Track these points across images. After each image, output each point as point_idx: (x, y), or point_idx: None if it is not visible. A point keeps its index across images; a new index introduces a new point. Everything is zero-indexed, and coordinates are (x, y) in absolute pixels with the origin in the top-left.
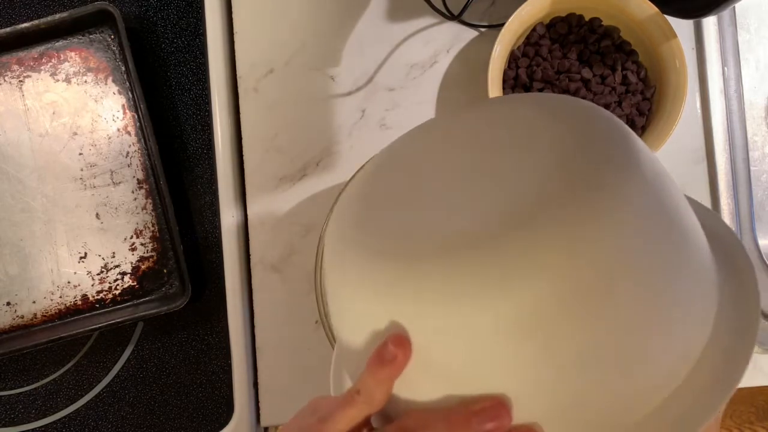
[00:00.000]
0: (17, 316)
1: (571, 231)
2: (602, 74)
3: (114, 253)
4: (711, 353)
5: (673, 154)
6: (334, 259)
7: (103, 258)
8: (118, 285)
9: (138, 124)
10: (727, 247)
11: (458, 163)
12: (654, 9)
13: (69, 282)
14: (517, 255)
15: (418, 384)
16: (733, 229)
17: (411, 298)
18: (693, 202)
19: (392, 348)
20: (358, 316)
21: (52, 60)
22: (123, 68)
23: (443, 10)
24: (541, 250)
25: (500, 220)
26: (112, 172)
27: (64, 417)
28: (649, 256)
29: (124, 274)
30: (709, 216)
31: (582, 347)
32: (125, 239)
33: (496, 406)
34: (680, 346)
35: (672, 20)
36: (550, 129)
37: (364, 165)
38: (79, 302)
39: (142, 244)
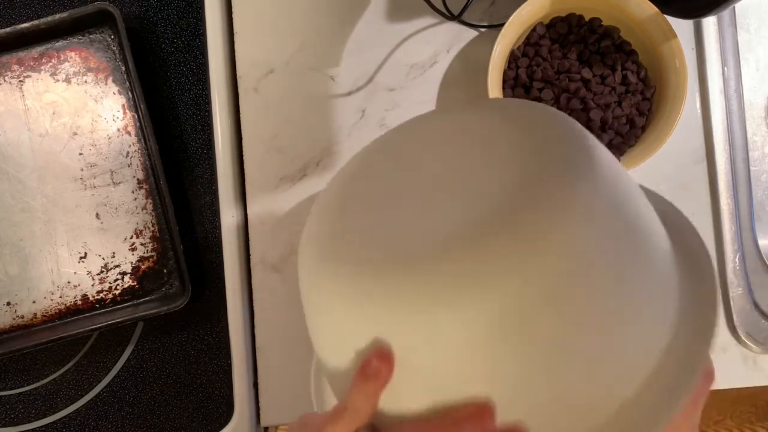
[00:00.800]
0: (17, 316)
1: (535, 236)
2: (602, 74)
3: (114, 253)
4: (674, 349)
5: (673, 154)
6: (310, 275)
7: (103, 258)
8: (118, 285)
9: (138, 124)
10: (690, 246)
11: (427, 171)
12: (654, 9)
13: (69, 282)
14: (487, 260)
15: (403, 394)
16: (734, 229)
17: (389, 308)
18: (655, 197)
19: (376, 362)
20: (337, 330)
21: (52, 60)
22: (123, 68)
23: (443, 10)
24: (508, 255)
25: (470, 228)
26: (112, 172)
27: (64, 417)
28: (609, 254)
29: (124, 274)
30: (672, 212)
31: (551, 345)
32: (125, 239)
33: (478, 411)
34: (643, 340)
35: (672, 20)
36: (513, 137)
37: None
38: (79, 302)
39: (142, 244)
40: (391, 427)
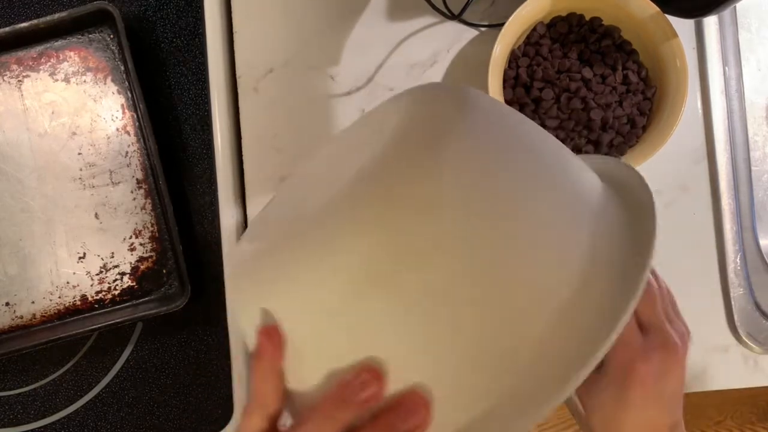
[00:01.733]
0: (16, 317)
1: (391, 188)
2: (603, 74)
3: (113, 253)
4: (599, 272)
5: (673, 153)
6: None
7: (102, 258)
8: (117, 285)
9: (137, 123)
10: (626, 183)
11: (324, 164)
12: (655, 8)
13: (68, 282)
14: (341, 221)
15: (303, 373)
16: (735, 229)
17: (264, 285)
18: (602, 160)
19: (262, 340)
20: (242, 314)
21: (51, 60)
22: (122, 68)
23: (443, 9)
24: (363, 212)
25: (333, 194)
26: (111, 172)
27: (64, 417)
28: (479, 199)
29: (123, 274)
30: (615, 165)
31: (421, 296)
32: (124, 239)
33: (362, 372)
34: (538, 275)
35: (672, 20)
36: (394, 107)
37: None
38: (78, 302)
39: (141, 244)
40: (302, 412)
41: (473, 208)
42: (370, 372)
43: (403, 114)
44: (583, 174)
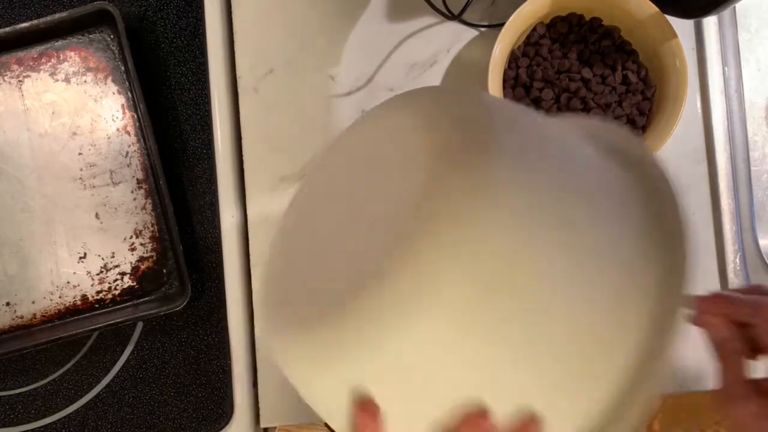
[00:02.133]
0: (17, 317)
1: (454, 238)
2: (602, 74)
3: (113, 253)
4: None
5: (673, 153)
6: (276, 340)
7: (102, 258)
8: (117, 285)
9: (137, 123)
10: (648, 174)
11: (350, 198)
12: (654, 9)
13: (68, 282)
14: (412, 277)
15: (402, 430)
16: (734, 229)
17: (345, 356)
18: (606, 130)
19: (361, 415)
20: (315, 390)
21: (52, 60)
22: (122, 68)
23: (443, 10)
24: (438, 261)
25: (389, 249)
26: (111, 172)
27: (64, 417)
28: (545, 226)
29: (123, 274)
30: (632, 145)
31: (514, 328)
32: (125, 239)
33: (470, 416)
34: (613, 290)
35: (672, 20)
36: (410, 133)
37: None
38: (79, 302)
39: (141, 244)
40: None
41: (545, 239)
42: (478, 412)
43: (429, 137)
44: (611, 171)
